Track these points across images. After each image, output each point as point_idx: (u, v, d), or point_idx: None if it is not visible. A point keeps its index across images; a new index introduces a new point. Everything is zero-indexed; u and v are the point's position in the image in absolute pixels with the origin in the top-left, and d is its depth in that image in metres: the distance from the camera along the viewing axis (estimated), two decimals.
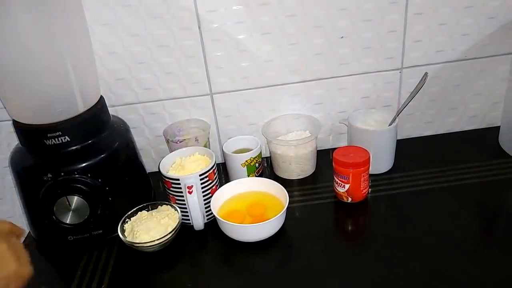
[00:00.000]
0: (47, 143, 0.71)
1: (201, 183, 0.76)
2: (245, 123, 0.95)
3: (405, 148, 0.93)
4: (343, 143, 0.98)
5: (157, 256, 0.74)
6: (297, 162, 0.88)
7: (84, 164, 0.72)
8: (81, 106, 0.74)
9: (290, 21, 0.85)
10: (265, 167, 0.94)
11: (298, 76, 0.91)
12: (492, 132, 0.96)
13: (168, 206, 0.79)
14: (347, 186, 0.79)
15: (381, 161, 0.87)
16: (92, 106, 0.76)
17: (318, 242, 0.74)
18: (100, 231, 0.77)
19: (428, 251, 0.69)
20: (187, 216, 0.78)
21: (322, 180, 0.89)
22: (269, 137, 0.89)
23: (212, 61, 0.88)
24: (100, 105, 0.78)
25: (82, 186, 0.72)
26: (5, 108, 0.76)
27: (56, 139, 0.71)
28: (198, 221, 0.76)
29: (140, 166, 0.85)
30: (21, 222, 1.03)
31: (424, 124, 0.98)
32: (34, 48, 0.68)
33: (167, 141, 0.89)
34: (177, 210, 0.77)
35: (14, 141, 0.79)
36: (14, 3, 0.64)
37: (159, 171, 0.78)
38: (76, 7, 0.75)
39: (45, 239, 0.80)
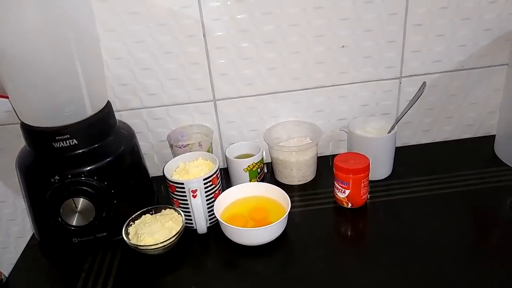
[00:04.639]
0: (55, 146, 0.73)
1: (205, 188, 0.78)
2: (247, 129, 0.97)
3: (403, 156, 0.94)
4: (343, 150, 1.00)
5: (161, 259, 0.75)
6: (298, 168, 0.89)
7: (90, 167, 0.74)
8: (89, 110, 0.76)
9: (292, 30, 0.87)
10: (265, 172, 0.96)
11: (300, 83, 0.93)
12: (488, 141, 0.98)
13: (172, 209, 0.80)
14: (347, 191, 0.80)
15: (380, 167, 0.88)
16: (100, 110, 0.78)
17: (318, 246, 0.75)
18: (105, 234, 0.78)
19: (426, 256, 0.70)
20: (191, 219, 0.79)
21: (322, 186, 0.90)
22: (270, 143, 0.90)
23: (216, 68, 0.89)
24: (108, 110, 0.80)
25: (88, 189, 0.73)
26: (14, 110, 0.77)
27: (64, 142, 0.72)
28: (201, 225, 0.77)
29: (144, 170, 0.86)
30: (23, 225, 1.04)
31: (422, 132, 1.00)
32: (45, 51, 0.69)
33: (171, 146, 0.91)
34: (180, 214, 0.78)
35: (18, 145, 0.80)
36: (26, 5, 0.65)
37: (164, 175, 0.80)
38: (86, 10, 0.76)
39: (50, 241, 0.81)
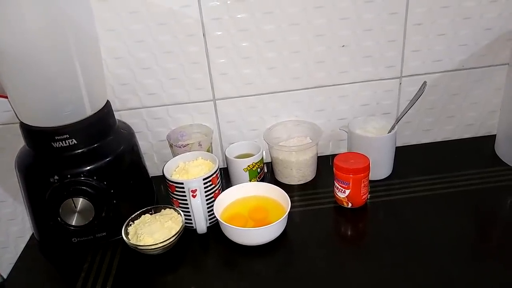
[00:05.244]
0: (55, 146, 0.72)
1: (205, 187, 0.78)
2: (247, 129, 0.97)
3: (404, 155, 0.94)
4: (343, 149, 1.00)
5: (160, 259, 0.75)
6: (298, 168, 0.89)
7: (90, 167, 0.74)
8: (88, 109, 0.76)
9: (292, 29, 0.87)
10: (265, 172, 0.96)
11: (300, 83, 0.92)
12: (489, 140, 0.98)
13: (172, 209, 0.80)
14: (347, 191, 0.80)
15: (380, 167, 0.88)
16: (99, 110, 0.78)
17: (319, 246, 0.75)
18: (104, 234, 0.78)
19: (427, 255, 0.70)
20: (190, 219, 0.79)
21: (322, 186, 0.90)
22: (270, 143, 0.90)
23: (215, 68, 0.89)
24: (107, 109, 0.79)
25: (87, 189, 0.73)
26: (13, 110, 0.77)
27: (64, 142, 0.72)
28: (201, 225, 0.77)
29: (143, 170, 0.86)
30: (23, 224, 1.04)
31: (423, 131, 1.00)
32: (44, 51, 0.69)
33: (171, 146, 0.91)
34: (180, 214, 0.78)
35: (19, 145, 0.80)
36: (25, 6, 0.65)
37: (163, 175, 0.79)
38: (85, 10, 0.76)
39: (49, 241, 0.81)
